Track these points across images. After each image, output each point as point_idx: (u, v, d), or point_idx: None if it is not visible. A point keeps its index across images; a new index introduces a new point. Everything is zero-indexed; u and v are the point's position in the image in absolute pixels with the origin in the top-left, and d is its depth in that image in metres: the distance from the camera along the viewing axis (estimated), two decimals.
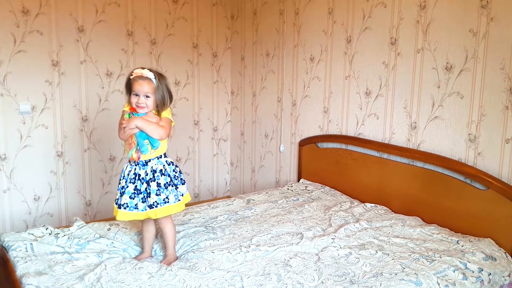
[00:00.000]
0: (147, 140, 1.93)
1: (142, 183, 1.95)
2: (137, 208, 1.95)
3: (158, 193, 1.94)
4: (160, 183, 1.95)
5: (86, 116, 3.38)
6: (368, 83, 2.78)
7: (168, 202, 1.95)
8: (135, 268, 1.82)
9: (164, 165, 1.98)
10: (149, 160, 1.96)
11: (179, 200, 2.00)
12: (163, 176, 1.96)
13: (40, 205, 3.27)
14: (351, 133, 2.92)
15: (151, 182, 1.94)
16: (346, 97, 2.94)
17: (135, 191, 1.95)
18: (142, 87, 1.91)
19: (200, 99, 4.00)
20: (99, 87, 3.40)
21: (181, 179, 2.05)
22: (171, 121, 2.01)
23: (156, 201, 1.93)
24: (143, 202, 1.95)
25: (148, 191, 1.94)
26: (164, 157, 2.01)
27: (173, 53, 3.74)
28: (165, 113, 1.99)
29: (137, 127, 1.91)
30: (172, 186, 1.98)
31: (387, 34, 2.63)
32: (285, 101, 3.49)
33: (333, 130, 3.06)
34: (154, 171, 1.95)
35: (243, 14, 3.89)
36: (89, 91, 3.36)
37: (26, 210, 3.22)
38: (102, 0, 3.31)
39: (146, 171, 1.95)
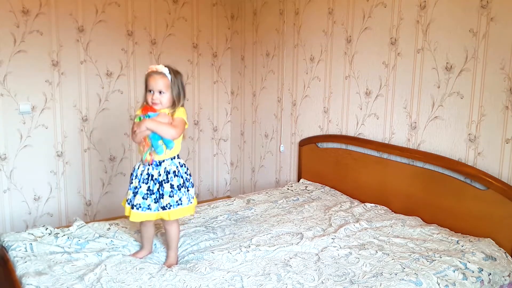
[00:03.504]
0: (161, 141, 1.90)
1: (155, 184, 1.93)
2: (150, 209, 1.94)
3: (171, 194, 1.92)
4: (173, 185, 1.93)
5: (86, 116, 3.38)
6: (368, 83, 2.77)
7: (181, 204, 1.94)
8: (136, 268, 1.82)
9: (177, 166, 1.97)
10: (163, 161, 1.94)
11: (191, 202, 1.99)
12: (176, 177, 1.95)
13: (40, 205, 3.27)
14: (351, 133, 2.92)
15: (164, 183, 1.92)
16: (346, 97, 2.94)
17: (148, 192, 1.94)
18: (156, 83, 1.90)
19: (200, 99, 4.00)
20: (99, 87, 3.40)
21: (191, 182, 2.04)
22: (185, 122, 1.98)
23: (169, 203, 1.92)
24: (155, 202, 1.94)
25: (161, 192, 1.93)
26: (177, 158, 2.00)
27: (173, 53, 3.74)
28: (179, 113, 1.96)
29: (148, 129, 1.88)
30: (185, 188, 1.97)
31: (387, 34, 2.63)
32: (285, 101, 3.49)
33: (333, 130, 3.06)
34: (167, 172, 1.94)
35: (243, 14, 3.89)
36: (89, 91, 3.36)
37: (26, 210, 3.22)
38: (102, 0, 3.31)
39: (159, 172, 1.94)
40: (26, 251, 1.95)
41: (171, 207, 1.92)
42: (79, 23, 3.25)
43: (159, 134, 1.89)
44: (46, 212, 3.30)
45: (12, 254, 1.92)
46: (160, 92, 1.91)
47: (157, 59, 3.65)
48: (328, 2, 3.02)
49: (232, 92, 4.16)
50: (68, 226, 2.24)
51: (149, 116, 1.90)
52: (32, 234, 2.10)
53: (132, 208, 1.94)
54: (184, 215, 1.98)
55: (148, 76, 1.94)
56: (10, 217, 3.16)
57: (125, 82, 3.51)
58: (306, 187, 3.05)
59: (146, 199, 1.94)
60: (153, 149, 1.91)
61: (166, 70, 1.92)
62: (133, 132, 1.94)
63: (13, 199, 3.16)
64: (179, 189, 1.95)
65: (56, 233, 2.12)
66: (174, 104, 1.95)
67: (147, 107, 1.92)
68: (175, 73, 1.95)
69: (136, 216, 1.94)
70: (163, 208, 1.92)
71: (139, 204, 1.93)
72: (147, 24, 3.57)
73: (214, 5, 3.93)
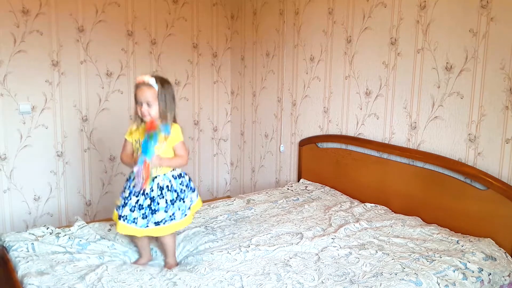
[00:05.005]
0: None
1: (146, 199, 1.91)
2: (136, 223, 1.90)
3: (166, 209, 1.91)
4: (167, 200, 1.92)
5: (86, 116, 3.38)
6: (368, 83, 2.78)
7: (174, 219, 1.92)
8: (136, 269, 1.82)
9: (170, 180, 1.95)
10: (155, 177, 1.91)
11: (185, 215, 1.97)
12: (169, 192, 1.93)
13: (40, 205, 3.27)
14: (351, 133, 2.92)
15: (159, 199, 1.90)
16: (346, 97, 2.94)
17: (136, 205, 1.91)
18: (144, 95, 1.86)
19: (200, 99, 4.00)
20: (99, 87, 3.40)
21: (191, 187, 2.03)
22: (182, 141, 1.97)
23: (164, 218, 1.90)
24: (143, 218, 1.90)
25: (153, 208, 1.90)
26: (171, 171, 1.97)
27: (173, 53, 3.74)
28: (176, 136, 1.93)
29: (161, 166, 1.92)
30: (180, 201, 1.95)
31: (387, 34, 2.63)
32: (285, 101, 3.50)
33: (333, 130, 3.07)
34: (161, 188, 1.91)
35: (243, 14, 3.89)
36: (89, 91, 3.36)
37: (26, 210, 3.22)
38: (102, 0, 3.31)
39: (152, 187, 1.91)
40: (28, 251, 1.95)
41: (166, 222, 1.90)
42: (79, 23, 3.25)
43: (174, 167, 1.98)
44: (46, 212, 3.30)
45: (13, 254, 1.92)
46: (148, 104, 1.87)
47: (157, 59, 3.65)
48: (328, 2, 3.02)
49: (232, 92, 4.16)
50: (68, 226, 2.24)
51: (153, 137, 1.83)
52: (33, 234, 2.10)
53: (119, 218, 1.91)
54: (177, 229, 1.97)
55: (136, 88, 1.90)
56: (10, 217, 3.16)
57: (125, 82, 3.51)
58: (306, 187, 3.05)
59: (133, 211, 1.90)
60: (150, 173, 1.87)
61: (152, 81, 1.87)
62: (127, 154, 2.00)
63: (13, 199, 3.16)
64: (173, 204, 1.93)
65: (57, 233, 2.12)
66: (163, 116, 1.90)
67: (148, 126, 1.85)
68: (162, 83, 1.90)
69: (122, 228, 1.91)
70: (157, 223, 1.90)
71: (126, 216, 1.90)
72: (147, 24, 3.57)
73: (214, 5, 3.93)
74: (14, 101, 3.07)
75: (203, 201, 3.09)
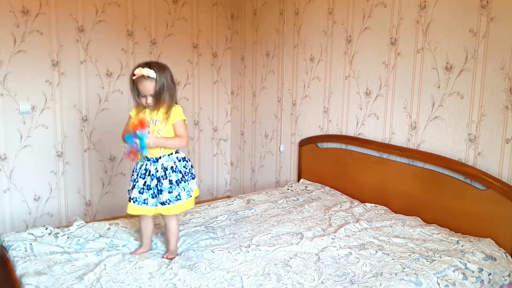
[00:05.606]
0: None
1: (152, 179, 1.97)
2: (146, 203, 1.98)
3: (170, 190, 1.96)
4: (171, 180, 1.97)
5: (86, 116, 3.38)
6: (368, 83, 2.77)
7: (180, 199, 1.98)
8: (135, 268, 1.82)
9: (174, 162, 2.00)
10: (160, 157, 1.97)
11: (190, 196, 2.02)
12: (174, 173, 1.98)
13: (40, 205, 3.27)
14: (351, 133, 2.92)
15: (162, 179, 1.96)
16: (346, 97, 2.94)
17: (144, 187, 1.98)
18: (146, 88, 1.90)
19: (200, 99, 4.00)
20: (99, 87, 3.40)
21: (192, 173, 2.07)
22: (184, 119, 2.00)
23: (168, 199, 1.96)
24: (153, 197, 1.98)
25: (159, 188, 1.96)
26: (176, 153, 2.02)
27: (173, 53, 3.74)
28: (177, 115, 1.97)
29: (158, 147, 1.94)
30: (184, 182, 2.00)
31: (387, 34, 2.63)
32: (285, 101, 3.49)
33: (333, 130, 3.06)
34: (165, 169, 1.97)
35: (243, 14, 3.89)
36: (89, 91, 3.36)
37: (26, 210, 3.22)
38: (102, 0, 3.31)
39: (156, 168, 1.97)
40: (26, 251, 1.96)
41: (171, 203, 1.96)
42: (79, 23, 3.24)
43: (171, 148, 1.98)
44: (46, 212, 3.30)
45: (12, 254, 1.92)
46: (152, 95, 1.91)
47: (157, 59, 3.64)
48: (328, 2, 3.02)
49: (232, 92, 4.16)
50: (68, 226, 2.24)
51: (139, 137, 1.85)
52: (32, 234, 2.10)
53: (130, 200, 1.99)
54: (183, 209, 2.02)
55: (136, 81, 1.92)
56: (10, 217, 3.16)
57: (125, 82, 3.50)
58: (306, 187, 3.05)
59: (142, 193, 1.98)
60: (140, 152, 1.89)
61: (152, 73, 1.88)
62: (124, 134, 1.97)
63: (13, 199, 3.16)
64: (178, 184, 1.98)
65: (56, 233, 2.12)
66: (160, 100, 1.92)
67: (136, 125, 1.86)
68: (160, 71, 1.91)
69: (132, 208, 1.99)
70: (162, 203, 1.96)
71: (136, 198, 1.98)
72: (147, 24, 3.57)
73: (214, 5, 3.93)
74: (14, 101, 3.07)
75: (203, 201, 3.10)
